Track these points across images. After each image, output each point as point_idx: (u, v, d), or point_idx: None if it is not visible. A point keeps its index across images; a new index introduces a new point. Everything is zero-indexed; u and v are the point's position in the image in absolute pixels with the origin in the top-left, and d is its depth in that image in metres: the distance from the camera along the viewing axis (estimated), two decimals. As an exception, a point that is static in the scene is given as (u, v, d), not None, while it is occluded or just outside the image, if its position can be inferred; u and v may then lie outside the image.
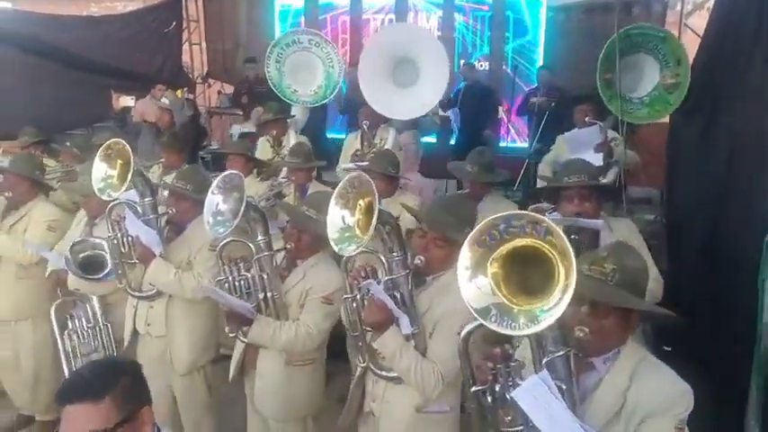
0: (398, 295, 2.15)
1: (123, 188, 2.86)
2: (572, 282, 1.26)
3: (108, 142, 2.97)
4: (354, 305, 2.24)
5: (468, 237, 1.40)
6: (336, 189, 2.18)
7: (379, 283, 2.14)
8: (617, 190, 3.00)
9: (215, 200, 2.61)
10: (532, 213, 1.35)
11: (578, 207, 2.69)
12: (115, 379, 1.40)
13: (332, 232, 2.13)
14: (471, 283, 1.38)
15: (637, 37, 4.15)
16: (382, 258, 2.20)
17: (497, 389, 1.52)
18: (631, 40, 4.15)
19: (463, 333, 1.57)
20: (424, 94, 4.94)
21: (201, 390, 3.13)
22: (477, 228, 1.39)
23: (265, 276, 2.61)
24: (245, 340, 2.62)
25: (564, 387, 1.43)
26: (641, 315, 1.69)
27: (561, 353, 1.44)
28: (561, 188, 2.79)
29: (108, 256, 3.12)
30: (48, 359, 3.71)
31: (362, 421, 2.43)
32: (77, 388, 1.38)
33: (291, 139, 4.79)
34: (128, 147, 2.88)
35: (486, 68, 7.99)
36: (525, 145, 7.24)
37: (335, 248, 2.14)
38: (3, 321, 3.66)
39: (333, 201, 2.16)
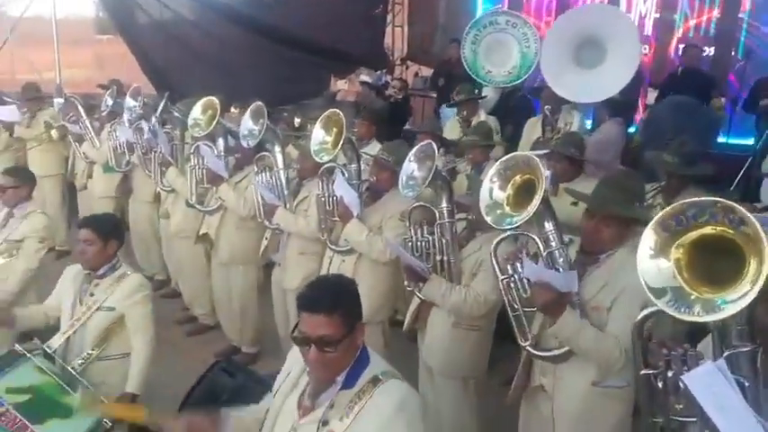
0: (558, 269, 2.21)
1: (335, 153, 3.27)
2: (763, 275, 1.23)
3: (327, 112, 3.41)
4: (512, 285, 2.32)
5: (654, 219, 1.42)
6: (493, 168, 2.29)
7: (536, 262, 2.21)
8: None
9: (411, 167, 2.91)
10: (727, 201, 1.33)
11: None
12: (345, 294, 1.64)
13: (483, 207, 2.28)
14: (652, 263, 1.40)
15: None
16: (534, 237, 2.27)
17: (670, 375, 1.53)
18: None
19: (640, 316, 1.59)
20: (609, 77, 4.66)
21: (378, 342, 3.41)
22: (664, 210, 1.41)
23: (444, 241, 2.83)
24: (420, 296, 2.88)
25: (746, 384, 1.39)
26: None
27: (746, 349, 1.40)
28: None
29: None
30: (253, 302, 4.34)
31: (529, 396, 2.49)
32: (318, 301, 1.59)
33: (482, 119, 4.92)
34: (343, 117, 3.28)
35: (711, 54, 7.26)
36: (749, 142, 6.47)
37: (492, 223, 2.28)
38: (221, 264, 4.31)
39: (487, 180, 2.29)
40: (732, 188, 5.44)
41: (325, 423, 1.62)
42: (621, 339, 2.08)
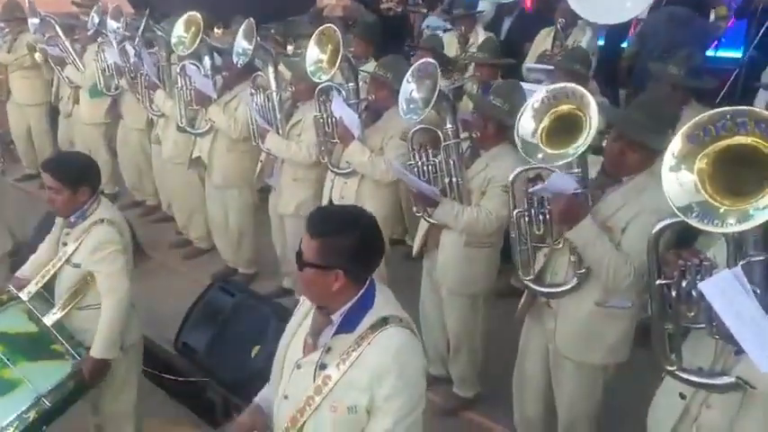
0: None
1: (332, 72, 3.11)
2: None
3: (321, 28, 3.23)
4: (528, 218, 2.31)
5: (682, 129, 1.39)
6: (535, 97, 2.16)
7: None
8: None
9: (409, 88, 2.78)
10: (760, 110, 1.31)
11: None
12: (338, 231, 1.53)
13: (520, 143, 2.19)
14: (674, 176, 1.40)
15: None
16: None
17: (684, 285, 1.56)
18: None
19: (658, 227, 1.60)
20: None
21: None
22: (694, 121, 1.38)
23: (451, 162, 2.77)
24: (431, 220, 2.86)
25: (758, 292, 1.42)
26: None
27: (761, 258, 1.42)
28: None
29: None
30: (250, 224, 4.30)
31: (535, 311, 2.55)
32: (311, 220, 1.57)
33: (480, 35, 4.74)
34: (339, 32, 3.11)
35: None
36: (737, 55, 6.34)
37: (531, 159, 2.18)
38: (215, 187, 4.24)
39: (528, 111, 2.16)
40: (717, 101, 5.41)
41: (322, 367, 1.59)
42: (632, 257, 2.10)
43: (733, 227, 1.32)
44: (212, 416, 3.17)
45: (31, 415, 2.26)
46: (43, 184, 5.91)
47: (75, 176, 2.45)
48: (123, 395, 2.75)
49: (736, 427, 1.68)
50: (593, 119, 2.02)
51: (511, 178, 2.32)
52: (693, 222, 1.38)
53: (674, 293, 1.58)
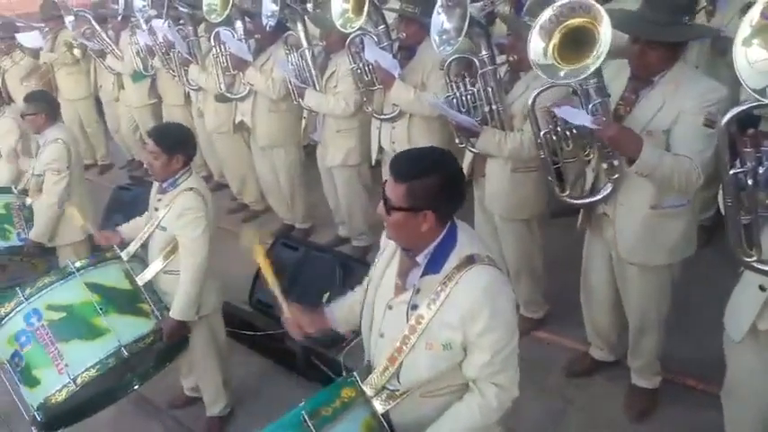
0: None
1: (362, 19, 3.02)
2: None
3: None
4: (555, 137, 2.25)
5: (752, 8, 1.29)
6: (544, 14, 2.04)
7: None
8: None
9: (440, 19, 2.66)
10: None
11: None
12: (424, 174, 1.49)
13: (535, 64, 2.08)
14: (744, 52, 1.29)
15: None
16: (575, 85, 2.15)
17: (761, 171, 1.47)
18: None
19: (729, 115, 1.50)
20: None
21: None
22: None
23: (490, 90, 2.67)
24: (474, 150, 2.78)
25: None
26: None
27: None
28: None
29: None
30: (300, 181, 4.31)
31: (594, 224, 2.49)
32: (395, 165, 1.55)
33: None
34: None
35: None
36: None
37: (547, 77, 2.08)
38: (261, 149, 4.25)
39: (537, 27, 2.03)
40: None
41: (414, 307, 1.58)
42: (695, 159, 2.00)
43: None
44: (294, 364, 3.26)
45: (111, 361, 2.40)
46: (101, 170, 6.20)
47: (172, 144, 2.58)
48: (207, 362, 2.85)
49: None
50: (606, 32, 1.89)
51: (529, 103, 2.26)
52: None
53: (750, 182, 1.49)
